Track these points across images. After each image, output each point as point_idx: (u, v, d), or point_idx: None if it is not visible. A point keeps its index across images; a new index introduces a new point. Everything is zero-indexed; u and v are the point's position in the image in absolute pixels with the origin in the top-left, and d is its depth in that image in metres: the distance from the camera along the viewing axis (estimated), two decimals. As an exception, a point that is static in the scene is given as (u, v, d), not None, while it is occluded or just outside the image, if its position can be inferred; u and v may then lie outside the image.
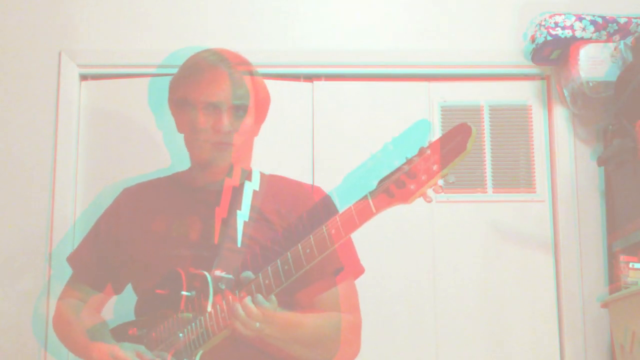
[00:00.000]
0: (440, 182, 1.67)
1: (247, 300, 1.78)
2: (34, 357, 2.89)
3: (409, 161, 1.68)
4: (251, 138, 2.11)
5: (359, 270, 2.07)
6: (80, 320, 2.09)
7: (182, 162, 2.18)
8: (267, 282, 1.79)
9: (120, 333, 2.01)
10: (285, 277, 1.79)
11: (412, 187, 1.67)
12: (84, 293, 2.14)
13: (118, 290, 2.16)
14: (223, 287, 1.83)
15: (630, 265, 2.75)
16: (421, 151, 1.67)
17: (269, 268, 1.80)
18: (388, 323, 2.97)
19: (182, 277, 1.90)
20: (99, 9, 3.15)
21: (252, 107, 2.02)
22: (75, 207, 3.02)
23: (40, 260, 2.94)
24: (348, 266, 2.01)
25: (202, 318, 1.86)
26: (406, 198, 1.69)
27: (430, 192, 1.68)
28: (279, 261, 1.79)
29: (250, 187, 2.05)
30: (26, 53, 3.10)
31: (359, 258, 2.07)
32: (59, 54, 3.09)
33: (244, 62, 2.06)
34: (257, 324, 1.78)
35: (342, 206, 1.79)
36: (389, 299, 2.98)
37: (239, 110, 2.00)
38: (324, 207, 2.01)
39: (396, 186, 1.68)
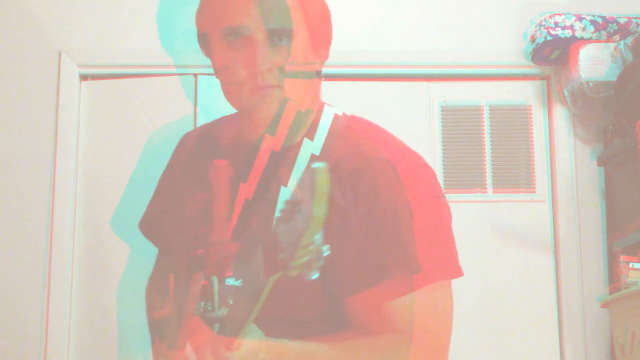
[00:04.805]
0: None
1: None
2: (34, 354, 2.89)
3: None
4: (312, 69, 1.53)
5: (454, 272, 1.49)
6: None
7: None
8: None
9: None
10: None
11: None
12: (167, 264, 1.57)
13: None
14: (232, 302, 1.31)
15: (630, 265, 2.74)
16: None
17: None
18: (388, 323, 2.97)
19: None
20: (99, 9, 3.15)
21: (300, 28, 1.48)
22: (75, 206, 3.02)
23: (41, 258, 2.94)
24: (439, 264, 1.45)
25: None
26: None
27: None
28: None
29: (308, 150, 1.39)
30: (26, 53, 3.10)
31: (457, 254, 1.51)
32: (59, 54, 3.09)
33: None
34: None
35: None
36: (389, 299, 2.98)
37: (279, 35, 1.41)
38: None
39: None
